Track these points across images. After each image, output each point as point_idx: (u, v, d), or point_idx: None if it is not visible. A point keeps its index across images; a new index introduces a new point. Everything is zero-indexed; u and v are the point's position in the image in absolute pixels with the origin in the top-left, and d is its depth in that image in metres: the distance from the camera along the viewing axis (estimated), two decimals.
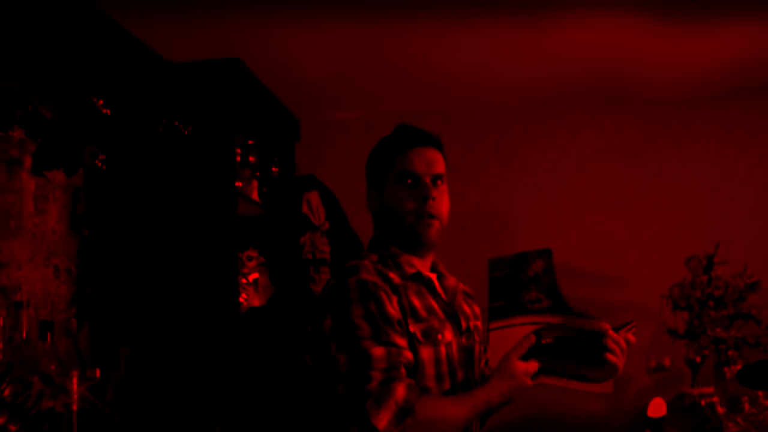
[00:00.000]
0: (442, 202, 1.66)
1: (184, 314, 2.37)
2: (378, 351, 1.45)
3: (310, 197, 2.94)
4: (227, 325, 2.38)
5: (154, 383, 2.29)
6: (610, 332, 1.52)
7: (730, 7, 2.63)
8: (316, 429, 1.55)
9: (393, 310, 1.51)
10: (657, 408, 2.96)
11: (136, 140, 2.45)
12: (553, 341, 1.55)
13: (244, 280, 2.75)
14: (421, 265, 1.67)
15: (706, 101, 3.54)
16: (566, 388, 1.58)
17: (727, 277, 2.92)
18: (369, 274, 1.54)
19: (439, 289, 1.68)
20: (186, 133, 2.42)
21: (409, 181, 1.64)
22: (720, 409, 2.67)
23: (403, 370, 1.47)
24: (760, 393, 2.54)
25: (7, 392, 1.69)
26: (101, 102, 2.27)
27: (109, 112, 2.30)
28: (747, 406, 2.61)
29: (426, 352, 1.54)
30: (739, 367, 2.66)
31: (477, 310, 1.82)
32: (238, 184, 2.63)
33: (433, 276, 1.70)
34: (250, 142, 2.79)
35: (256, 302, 2.77)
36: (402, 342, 1.50)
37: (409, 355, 1.50)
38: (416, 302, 1.58)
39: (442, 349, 1.57)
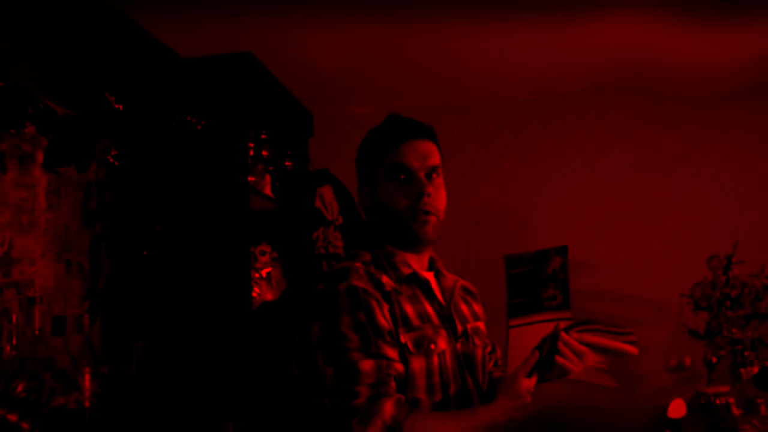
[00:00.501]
0: (438, 197, 1.56)
1: (197, 309, 2.38)
2: (366, 365, 1.38)
3: (324, 192, 2.92)
4: (240, 320, 2.38)
5: (166, 378, 2.30)
6: (562, 334, 1.49)
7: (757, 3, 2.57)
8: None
9: (384, 319, 1.44)
10: (677, 409, 2.94)
11: (148, 135, 2.45)
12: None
13: (257, 275, 2.75)
14: (418, 263, 1.59)
15: (725, 99, 3.48)
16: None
17: (744, 277, 2.88)
18: (360, 280, 1.46)
19: (436, 290, 1.60)
20: (199, 128, 2.42)
21: (402, 176, 1.54)
22: (736, 411, 2.65)
23: (392, 384, 1.40)
24: None
25: (20, 388, 1.70)
26: (113, 98, 2.27)
27: (121, 107, 2.30)
28: (763, 408, 2.59)
29: (417, 363, 1.46)
30: (755, 368, 2.63)
31: (478, 309, 1.73)
32: (251, 178, 2.63)
33: (431, 275, 1.62)
34: (263, 136, 2.79)
35: (269, 297, 2.77)
36: (392, 353, 1.42)
37: (399, 367, 1.42)
38: (409, 310, 1.50)
39: (435, 360, 1.48)
